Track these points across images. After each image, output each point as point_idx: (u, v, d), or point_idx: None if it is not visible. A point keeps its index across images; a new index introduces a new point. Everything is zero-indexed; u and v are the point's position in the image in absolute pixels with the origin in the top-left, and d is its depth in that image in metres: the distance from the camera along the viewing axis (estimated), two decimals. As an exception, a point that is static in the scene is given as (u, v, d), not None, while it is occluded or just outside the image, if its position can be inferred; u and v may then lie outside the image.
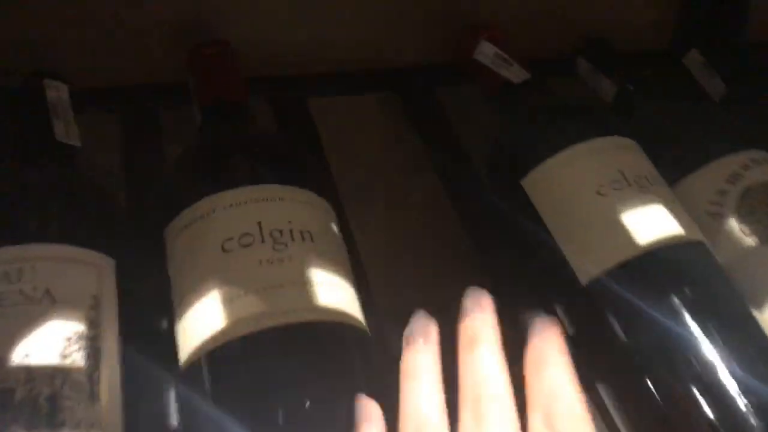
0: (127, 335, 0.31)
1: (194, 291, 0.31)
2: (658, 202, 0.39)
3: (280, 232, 0.32)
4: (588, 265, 0.38)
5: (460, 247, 0.48)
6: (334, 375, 0.30)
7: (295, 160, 0.38)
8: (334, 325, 0.31)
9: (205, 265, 0.32)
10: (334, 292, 0.32)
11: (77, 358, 0.29)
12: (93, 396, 0.28)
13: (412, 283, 0.45)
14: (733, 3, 0.65)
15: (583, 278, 0.38)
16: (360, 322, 0.33)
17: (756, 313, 0.40)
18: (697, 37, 0.65)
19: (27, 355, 0.28)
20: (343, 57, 0.55)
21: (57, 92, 0.42)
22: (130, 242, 0.36)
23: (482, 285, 0.38)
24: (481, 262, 0.47)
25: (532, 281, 0.42)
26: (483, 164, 0.49)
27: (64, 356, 0.28)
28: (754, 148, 0.45)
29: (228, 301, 0.30)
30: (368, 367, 0.32)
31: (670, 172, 0.45)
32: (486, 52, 0.52)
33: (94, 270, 0.32)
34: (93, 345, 0.29)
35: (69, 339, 0.29)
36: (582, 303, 0.38)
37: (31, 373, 0.27)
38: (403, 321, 0.47)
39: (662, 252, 0.37)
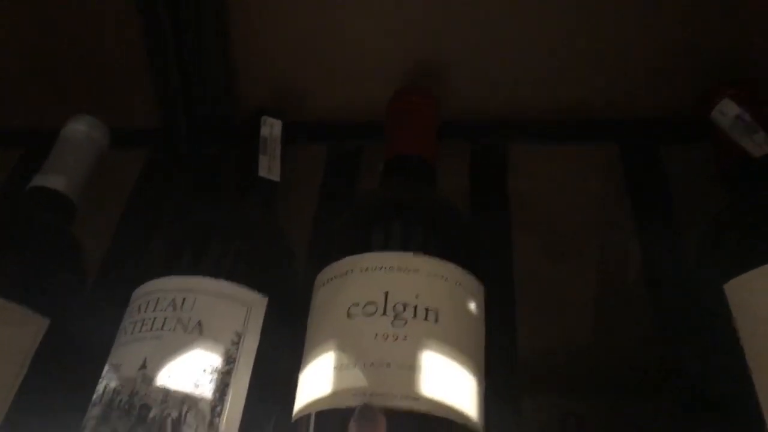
0: (261, 372, 0.34)
1: (315, 349, 0.33)
2: None
3: (404, 306, 0.32)
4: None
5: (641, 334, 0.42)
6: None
7: (451, 228, 0.37)
8: (436, 418, 0.30)
9: (330, 326, 0.33)
10: (445, 382, 0.30)
11: (206, 389, 0.32)
12: (212, 427, 0.31)
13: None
14: None
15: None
16: (470, 420, 0.31)
17: None
18: None
19: (169, 377, 0.32)
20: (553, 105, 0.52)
21: (270, 129, 0.48)
22: (290, 283, 0.39)
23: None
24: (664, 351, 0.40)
25: (715, 394, 0.35)
26: (695, 243, 0.41)
27: (196, 385, 0.32)
28: None
29: (338, 369, 0.31)
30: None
31: None
32: (726, 111, 0.44)
33: (244, 308, 0.35)
34: (224, 380, 0.33)
35: (204, 370, 0.33)
36: None
37: (167, 395, 0.32)
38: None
39: None
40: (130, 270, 0.43)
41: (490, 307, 0.36)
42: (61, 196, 0.46)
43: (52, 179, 0.46)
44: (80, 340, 0.40)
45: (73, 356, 0.40)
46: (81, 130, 0.49)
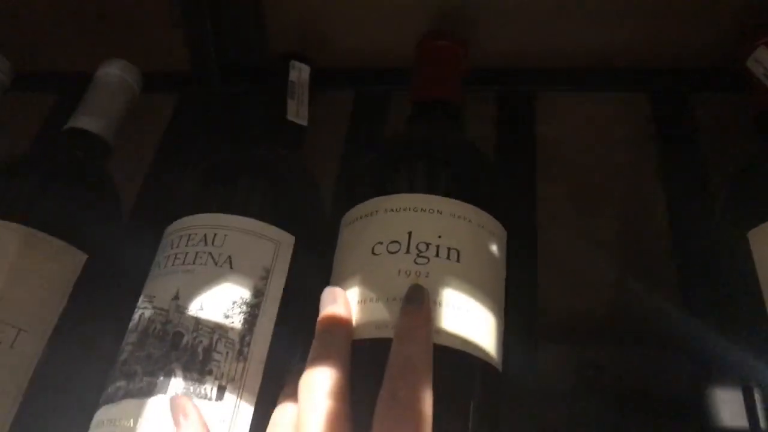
0: (288, 307, 0.36)
1: (341, 284, 0.34)
2: None
3: (427, 245, 0.33)
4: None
5: (665, 284, 0.42)
6: (444, 399, 0.30)
7: (476, 171, 0.38)
8: (454, 351, 0.31)
9: (355, 263, 0.34)
10: (466, 318, 0.31)
11: (236, 320, 0.34)
12: (240, 356, 0.33)
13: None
14: None
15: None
16: (487, 354, 0.32)
17: None
18: None
19: (201, 309, 0.34)
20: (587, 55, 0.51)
21: (299, 73, 0.48)
22: (317, 223, 0.40)
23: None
24: (685, 305, 0.40)
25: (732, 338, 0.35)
26: (722, 193, 0.41)
27: (227, 316, 0.34)
28: None
29: (361, 303, 0.32)
30: (489, 400, 0.31)
31: None
32: (762, 59, 0.43)
33: (273, 245, 0.37)
34: (252, 312, 0.34)
35: (234, 302, 0.34)
36: None
37: (198, 324, 0.33)
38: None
39: None
40: (162, 208, 0.45)
41: (512, 250, 0.37)
42: (96, 137, 0.47)
43: (87, 121, 0.48)
44: (116, 274, 0.42)
45: (109, 288, 0.42)
46: (114, 74, 0.50)
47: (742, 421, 0.35)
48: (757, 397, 0.34)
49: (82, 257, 0.41)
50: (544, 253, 0.46)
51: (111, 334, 0.39)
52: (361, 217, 0.36)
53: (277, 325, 0.35)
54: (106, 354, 0.39)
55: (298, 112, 0.46)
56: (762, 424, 0.33)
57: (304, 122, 0.46)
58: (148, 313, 0.34)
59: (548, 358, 0.62)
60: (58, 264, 0.40)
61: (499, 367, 0.32)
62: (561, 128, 0.50)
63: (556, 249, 0.48)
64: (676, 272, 0.42)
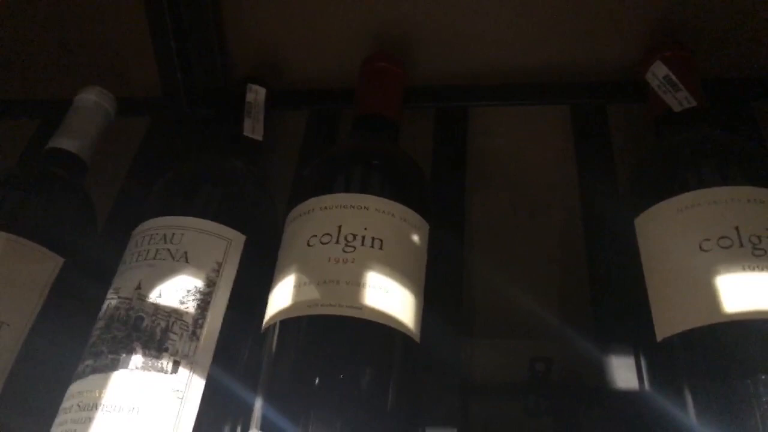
0: (238, 296, 0.41)
1: (281, 273, 0.39)
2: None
3: (354, 236, 0.38)
4: (668, 321, 0.35)
5: (577, 271, 0.47)
6: (367, 367, 0.35)
7: (403, 174, 0.43)
8: (377, 325, 0.36)
9: (294, 254, 0.39)
10: (386, 297, 0.37)
11: (190, 306, 0.39)
12: (194, 336, 0.38)
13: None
14: None
15: (660, 334, 0.35)
16: (406, 327, 0.37)
17: None
18: None
19: (159, 296, 0.39)
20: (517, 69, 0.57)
21: (255, 95, 0.54)
22: (266, 225, 0.45)
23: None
24: (591, 295, 0.46)
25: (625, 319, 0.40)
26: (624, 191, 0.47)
27: (182, 302, 0.39)
28: None
29: (297, 287, 0.37)
30: (406, 369, 0.36)
31: None
32: (657, 72, 0.49)
33: (224, 242, 0.42)
34: (205, 299, 0.39)
35: (189, 291, 0.39)
36: (657, 358, 0.36)
37: (157, 309, 0.38)
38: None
39: (755, 325, 0.32)
40: (133, 217, 0.50)
41: (441, 247, 0.43)
42: (74, 156, 0.52)
43: (66, 141, 0.53)
44: (90, 275, 0.47)
45: (83, 288, 0.47)
46: (90, 99, 0.55)
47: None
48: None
49: (59, 260, 0.46)
50: (482, 250, 0.51)
51: (83, 327, 0.44)
52: (300, 215, 0.41)
53: (228, 310, 0.40)
54: (78, 345, 0.44)
55: (253, 129, 0.52)
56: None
57: (259, 138, 0.52)
58: (114, 302, 0.39)
59: (501, 352, 0.67)
60: (37, 266, 0.45)
61: (417, 339, 0.37)
62: (493, 139, 0.56)
63: (494, 248, 0.53)
64: (586, 263, 0.47)
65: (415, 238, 0.40)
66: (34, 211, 0.48)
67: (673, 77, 0.47)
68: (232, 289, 0.41)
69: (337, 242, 0.38)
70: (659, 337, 0.35)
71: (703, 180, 0.38)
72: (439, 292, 0.42)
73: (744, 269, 0.34)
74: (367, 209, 0.39)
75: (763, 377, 0.32)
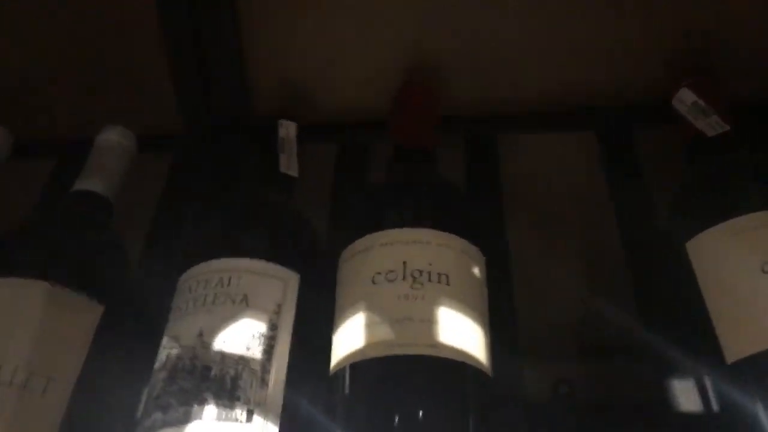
0: (299, 335, 0.40)
1: (346, 312, 0.39)
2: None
3: (420, 272, 0.38)
4: (734, 343, 0.36)
5: (623, 297, 0.48)
6: (446, 405, 0.35)
7: (454, 206, 0.43)
8: (453, 362, 0.36)
9: (357, 293, 0.39)
10: (458, 333, 0.36)
11: (256, 351, 0.38)
12: (263, 382, 0.37)
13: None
14: None
15: (730, 357, 0.36)
16: (479, 362, 0.37)
17: None
18: None
19: (224, 343, 0.38)
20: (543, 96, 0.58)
21: (287, 131, 0.53)
22: (316, 261, 0.45)
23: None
24: (640, 316, 0.46)
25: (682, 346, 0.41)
26: (664, 212, 0.48)
27: (248, 348, 0.38)
28: None
29: (368, 326, 0.37)
30: (483, 404, 0.36)
31: None
32: (684, 99, 0.50)
33: (281, 283, 0.41)
34: (270, 343, 0.39)
35: (253, 336, 0.38)
36: (726, 380, 0.37)
37: (224, 357, 0.37)
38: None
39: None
40: (168, 257, 0.49)
41: (490, 275, 0.43)
42: (100, 197, 0.51)
43: (91, 183, 0.52)
44: (129, 322, 0.46)
45: (125, 337, 0.46)
46: (113, 139, 0.54)
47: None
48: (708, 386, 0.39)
49: (99, 308, 0.45)
50: (520, 278, 0.52)
51: (129, 377, 0.42)
52: (358, 252, 0.41)
53: (291, 352, 0.39)
54: (126, 396, 0.43)
55: (288, 165, 0.51)
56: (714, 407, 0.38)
57: (295, 173, 0.51)
58: (174, 351, 0.38)
59: (525, 376, 0.67)
60: (79, 316, 0.44)
61: (490, 373, 0.37)
62: (524, 166, 0.56)
63: (528, 273, 0.53)
64: (631, 286, 0.47)
65: (476, 270, 0.40)
66: (70, 258, 0.47)
67: (702, 103, 0.48)
68: (293, 330, 0.40)
69: (404, 279, 0.38)
70: (729, 360, 0.36)
71: (756, 203, 0.39)
72: (496, 321, 0.42)
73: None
74: (429, 244, 0.39)
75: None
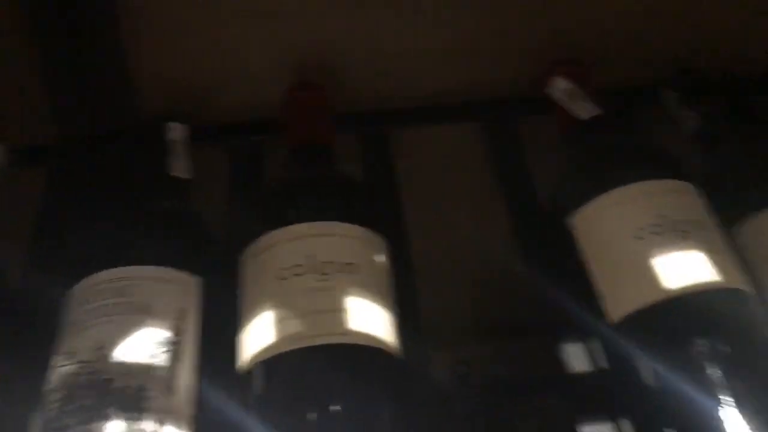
0: (204, 342, 0.39)
1: (255, 310, 0.38)
2: (695, 247, 0.39)
3: (327, 263, 0.38)
4: (616, 304, 0.39)
5: (516, 277, 0.51)
6: (362, 391, 0.36)
7: (355, 197, 0.44)
8: (364, 347, 0.36)
9: (264, 290, 0.39)
10: (368, 319, 0.37)
11: (162, 358, 0.37)
12: (171, 389, 0.36)
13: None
14: None
15: (614, 316, 0.40)
16: (390, 346, 0.38)
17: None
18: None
19: (126, 353, 0.36)
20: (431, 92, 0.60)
21: (176, 133, 0.52)
22: (216, 264, 0.44)
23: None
24: (534, 293, 0.49)
25: (575, 312, 0.44)
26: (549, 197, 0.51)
27: (152, 356, 0.36)
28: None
29: (278, 322, 0.37)
30: (396, 386, 0.37)
31: (746, 207, 0.45)
32: (558, 86, 0.54)
33: (183, 287, 0.40)
34: (175, 348, 0.37)
35: (157, 343, 0.37)
36: (612, 340, 0.40)
37: (127, 368, 0.36)
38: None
39: (688, 298, 0.37)
40: (51, 272, 0.46)
41: (392, 263, 0.44)
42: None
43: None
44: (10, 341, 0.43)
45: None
46: (-21, 152, 0.50)
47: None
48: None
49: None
50: (420, 267, 0.53)
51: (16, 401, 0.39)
52: (263, 250, 0.40)
53: (199, 356, 0.38)
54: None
55: (180, 167, 0.50)
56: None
57: (187, 176, 0.50)
58: (71, 368, 0.36)
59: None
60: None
61: (400, 355, 0.38)
62: (418, 159, 0.58)
63: (426, 261, 0.55)
64: (524, 267, 0.50)
65: (381, 258, 0.41)
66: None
67: (574, 89, 0.53)
68: (199, 334, 0.39)
69: (312, 272, 0.38)
70: (613, 320, 0.39)
71: (627, 177, 0.43)
72: (402, 307, 0.43)
73: (672, 250, 0.39)
74: (334, 236, 0.40)
75: (701, 341, 0.36)
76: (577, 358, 0.44)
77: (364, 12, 0.55)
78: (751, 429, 0.34)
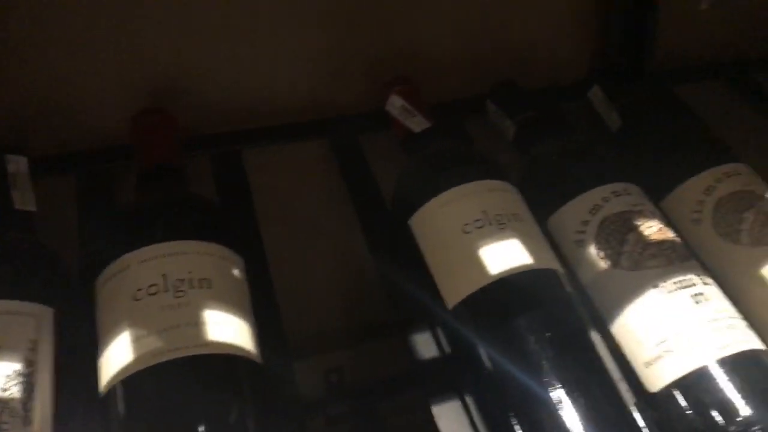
0: (61, 368, 0.39)
1: (111, 332, 0.39)
2: (512, 236, 0.45)
3: (182, 281, 0.40)
4: (451, 293, 0.45)
5: (372, 285, 0.55)
6: (224, 400, 0.38)
7: (206, 216, 0.46)
8: (225, 357, 0.38)
9: (120, 312, 0.39)
10: (225, 330, 0.39)
11: (15, 391, 0.36)
12: (26, 421, 0.36)
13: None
14: (638, 42, 0.72)
15: (449, 303, 0.45)
16: (249, 353, 0.40)
17: (611, 328, 0.46)
18: (607, 73, 0.72)
19: (-26, 390, 0.36)
20: (277, 110, 0.63)
21: (17, 165, 0.51)
22: (70, 293, 0.44)
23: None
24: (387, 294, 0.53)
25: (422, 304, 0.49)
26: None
27: (4, 390, 0.36)
28: (620, 180, 0.52)
29: (135, 341, 0.38)
30: (258, 392, 0.39)
31: (552, 204, 0.52)
32: (395, 104, 0.59)
33: (33, 319, 0.40)
34: (29, 380, 0.37)
35: (8, 376, 0.37)
36: (451, 326, 0.45)
37: (-23, 404, 0.35)
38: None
39: (508, 280, 0.43)
40: None
41: (251, 279, 0.46)
42: None
43: None
44: None
45: None
46: None
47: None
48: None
49: None
50: (280, 280, 0.56)
51: None
52: (115, 274, 0.41)
53: (55, 385, 0.38)
54: None
55: (24, 200, 0.49)
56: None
57: (32, 208, 0.49)
58: None
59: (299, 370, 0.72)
60: None
61: (260, 361, 0.41)
62: (271, 176, 0.61)
63: (290, 276, 0.58)
64: (375, 269, 0.55)
65: (236, 272, 0.44)
66: None
67: (408, 106, 0.58)
68: (53, 363, 0.39)
69: (166, 290, 0.39)
70: (449, 306, 0.45)
71: (454, 180, 0.48)
72: (264, 322, 0.46)
73: (493, 241, 0.45)
74: (187, 254, 0.41)
75: (522, 316, 0.42)
76: (425, 344, 0.49)
77: (211, 36, 0.57)
78: (566, 393, 0.39)
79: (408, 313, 0.51)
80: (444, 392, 0.46)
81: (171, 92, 0.59)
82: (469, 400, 0.44)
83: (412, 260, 0.50)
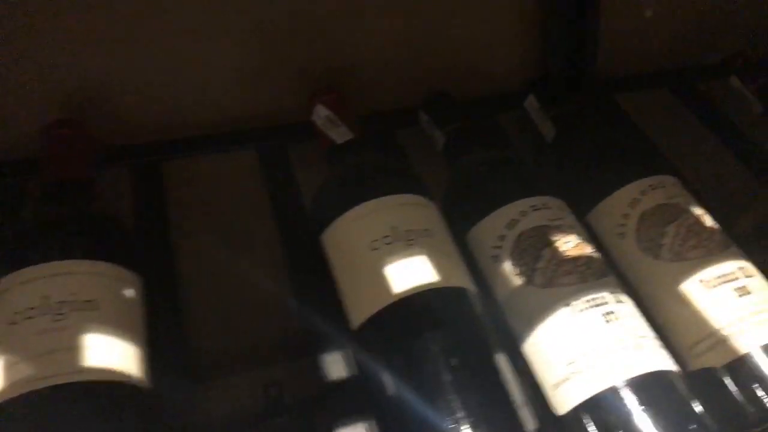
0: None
1: (-15, 359, 0.37)
2: (420, 253, 0.44)
3: (63, 303, 0.38)
4: (357, 312, 0.43)
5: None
6: (104, 430, 0.36)
7: (103, 233, 0.44)
8: (104, 384, 0.37)
9: (-4, 336, 0.38)
10: (106, 354, 0.38)
11: None
12: None
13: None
14: (579, 50, 0.71)
15: (355, 322, 0.43)
16: (134, 379, 0.38)
17: (522, 348, 0.45)
18: (547, 82, 0.71)
19: None
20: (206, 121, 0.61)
21: None
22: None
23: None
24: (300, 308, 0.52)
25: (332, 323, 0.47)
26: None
27: None
28: (543, 194, 0.51)
29: (7, 368, 0.36)
30: (147, 419, 0.38)
31: (472, 217, 0.51)
32: (320, 114, 0.58)
33: None
34: None
35: None
36: (355, 345, 0.43)
37: None
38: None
39: (413, 299, 0.42)
40: None
41: (157, 298, 0.44)
42: None
43: None
44: None
45: None
46: None
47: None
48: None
49: None
50: (197, 298, 0.54)
51: None
52: (-3, 297, 0.39)
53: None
54: None
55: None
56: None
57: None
58: None
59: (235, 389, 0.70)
60: None
61: (146, 385, 0.39)
62: (193, 188, 0.59)
63: (206, 294, 0.56)
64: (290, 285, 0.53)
65: (128, 292, 0.42)
66: None
67: (333, 116, 0.57)
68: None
69: (45, 314, 0.38)
70: (355, 325, 0.43)
71: (365, 195, 0.47)
72: (163, 341, 0.44)
73: (400, 258, 0.44)
74: (73, 274, 0.40)
75: (425, 336, 0.41)
76: (336, 364, 0.47)
77: (133, 45, 0.55)
78: (465, 419, 0.38)
79: (320, 332, 0.49)
80: (350, 415, 0.44)
81: (91, 104, 0.57)
82: (372, 425, 0.43)
83: (326, 277, 0.48)
